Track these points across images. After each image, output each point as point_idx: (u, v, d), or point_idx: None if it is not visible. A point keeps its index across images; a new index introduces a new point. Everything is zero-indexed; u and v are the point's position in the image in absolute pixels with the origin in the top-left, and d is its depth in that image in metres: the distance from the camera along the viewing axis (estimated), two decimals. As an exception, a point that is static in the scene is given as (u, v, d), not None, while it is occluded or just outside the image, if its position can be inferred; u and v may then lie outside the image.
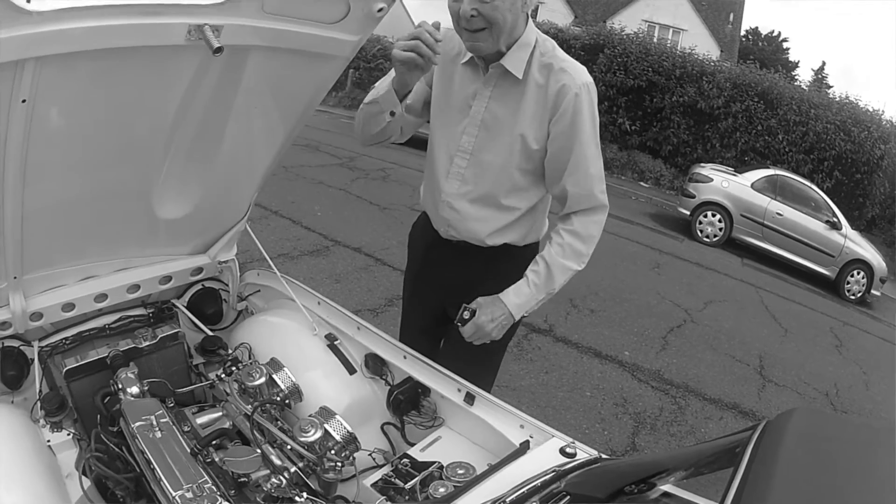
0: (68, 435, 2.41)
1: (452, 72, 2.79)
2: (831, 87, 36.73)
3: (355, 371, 2.75)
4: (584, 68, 2.66)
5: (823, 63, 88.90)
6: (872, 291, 14.76)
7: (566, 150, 2.64)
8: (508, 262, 2.89)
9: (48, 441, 2.36)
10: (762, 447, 1.43)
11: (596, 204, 2.74)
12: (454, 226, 2.85)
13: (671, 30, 35.25)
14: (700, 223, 15.17)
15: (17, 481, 2.07)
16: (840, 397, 8.15)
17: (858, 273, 14.68)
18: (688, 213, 15.35)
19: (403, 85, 2.59)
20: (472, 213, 2.80)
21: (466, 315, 2.76)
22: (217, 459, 2.10)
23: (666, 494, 1.93)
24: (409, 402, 2.59)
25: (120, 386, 2.34)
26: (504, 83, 2.67)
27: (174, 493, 1.85)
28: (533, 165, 2.72)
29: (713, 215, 15.06)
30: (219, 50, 1.82)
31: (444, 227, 2.89)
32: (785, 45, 61.07)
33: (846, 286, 14.68)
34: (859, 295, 14.69)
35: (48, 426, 2.40)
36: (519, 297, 2.76)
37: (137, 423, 2.10)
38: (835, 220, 14.79)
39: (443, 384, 2.56)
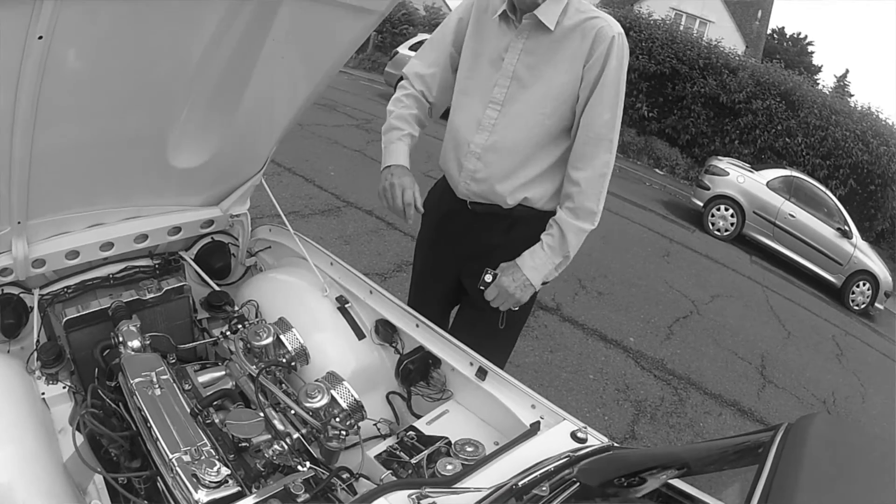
0: (64, 388, 2.33)
1: (485, 27, 2.80)
2: (852, 95, 36.65)
3: (364, 336, 2.70)
4: (616, 22, 2.68)
5: (847, 70, 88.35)
6: (876, 304, 14.73)
7: (591, 90, 2.65)
8: (526, 232, 2.84)
9: (42, 394, 2.28)
10: (786, 450, 1.44)
11: (599, 153, 2.69)
12: (477, 178, 2.82)
13: (698, 20, 35.10)
14: (712, 216, 15.14)
15: (7, 436, 2.00)
16: (837, 406, 8.14)
17: (864, 284, 14.64)
18: (701, 204, 15.30)
19: None
20: (497, 164, 2.78)
21: (488, 278, 2.74)
22: (217, 421, 2.05)
23: (672, 488, 1.90)
24: (418, 372, 2.55)
25: (121, 339, 2.28)
26: (536, 34, 2.68)
27: (171, 455, 1.80)
28: (562, 113, 2.71)
29: (726, 209, 15.03)
30: (252, -8, 1.74)
31: (465, 181, 2.85)
32: (810, 48, 60.71)
33: (851, 296, 14.65)
34: (863, 306, 14.65)
35: (44, 378, 2.32)
36: (534, 260, 2.75)
37: (137, 380, 2.04)
38: (846, 228, 14.73)
39: (454, 356, 2.52)
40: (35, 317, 2.47)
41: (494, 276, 2.73)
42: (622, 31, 2.65)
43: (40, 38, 1.61)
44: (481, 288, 2.76)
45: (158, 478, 1.90)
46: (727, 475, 1.89)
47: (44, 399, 2.26)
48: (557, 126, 2.73)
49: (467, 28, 2.85)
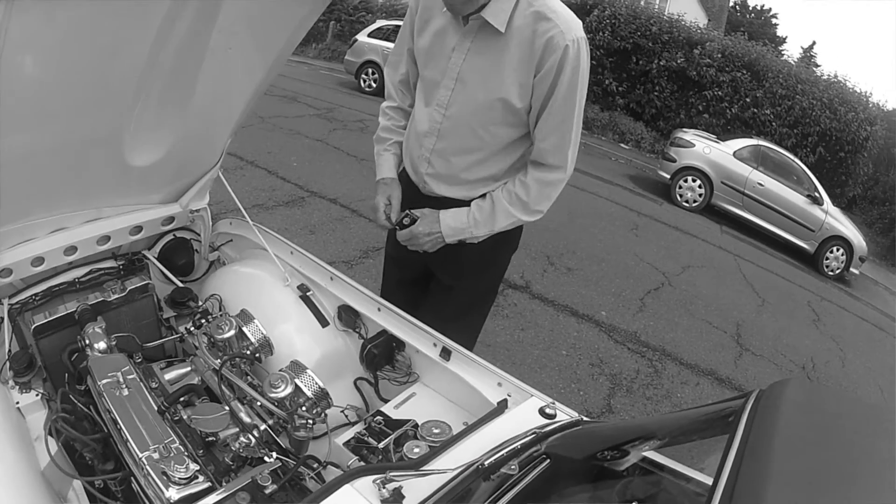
0: (37, 396, 2.32)
1: (434, 21, 2.66)
2: (819, 66, 36.87)
3: (328, 323, 2.70)
4: (577, 21, 2.47)
5: (814, 42, 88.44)
6: (851, 269, 14.85)
7: (543, 104, 2.52)
8: None
9: (17, 403, 2.26)
10: (758, 416, 1.42)
11: (557, 163, 2.66)
12: (430, 184, 2.81)
13: (659, -6, 35.07)
14: (680, 188, 15.20)
15: None
16: (816, 372, 8.20)
17: (838, 250, 14.74)
18: (668, 176, 15.37)
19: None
20: (447, 168, 2.76)
21: (407, 221, 2.78)
22: (185, 417, 2.04)
23: (646, 460, 1.91)
24: (383, 356, 2.55)
25: (87, 341, 2.27)
26: (484, 35, 2.50)
27: (140, 454, 1.79)
28: (512, 121, 2.61)
29: (693, 181, 15.08)
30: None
31: (422, 182, 2.84)
32: (773, 20, 60.87)
33: (825, 262, 14.77)
34: (838, 272, 14.77)
35: (17, 387, 2.31)
36: (456, 223, 2.75)
37: (104, 381, 2.03)
38: (816, 194, 14.80)
39: (418, 338, 2.52)
40: (6, 326, 2.45)
41: (413, 221, 2.77)
42: (579, 34, 2.43)
43: None
44: (396, 227, 2.81)
45: (132, 478, 1.90)
46: (706, 444, 1.89)
47: (19, 408, 2.25)
48: (508, 133, 2.65)
49: (415, 22, 2.75)
